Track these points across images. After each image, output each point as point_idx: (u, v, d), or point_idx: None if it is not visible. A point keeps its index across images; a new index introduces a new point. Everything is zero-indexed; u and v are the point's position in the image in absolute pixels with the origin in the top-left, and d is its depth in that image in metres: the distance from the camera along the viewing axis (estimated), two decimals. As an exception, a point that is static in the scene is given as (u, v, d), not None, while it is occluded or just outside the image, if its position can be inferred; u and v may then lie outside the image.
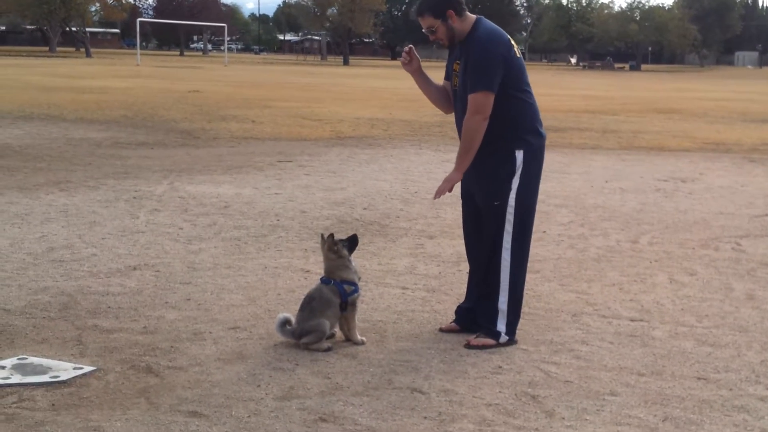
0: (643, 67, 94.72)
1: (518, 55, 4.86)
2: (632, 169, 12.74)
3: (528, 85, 4.92)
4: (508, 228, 4.84)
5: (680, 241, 7.84)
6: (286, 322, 4.79)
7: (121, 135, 15.56)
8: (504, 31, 4.89)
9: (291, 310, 5.40)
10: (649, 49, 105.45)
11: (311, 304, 4.80)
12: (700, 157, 14.61)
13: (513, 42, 4.87)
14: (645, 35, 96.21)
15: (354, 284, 4.87)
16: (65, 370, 4.33)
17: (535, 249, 6.31)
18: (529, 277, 5.73)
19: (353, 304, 4.86)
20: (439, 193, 4.90)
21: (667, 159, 14.27)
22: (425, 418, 3.92)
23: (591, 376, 4.48)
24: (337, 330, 4.92)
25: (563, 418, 3.95)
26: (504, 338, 4.92)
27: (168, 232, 7.64)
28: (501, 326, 4.91)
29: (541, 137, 4.94)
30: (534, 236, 5.30)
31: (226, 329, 5.07)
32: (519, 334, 5.07)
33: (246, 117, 19.22)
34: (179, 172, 11.33)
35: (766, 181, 11.90)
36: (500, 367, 4.58)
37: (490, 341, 4.90)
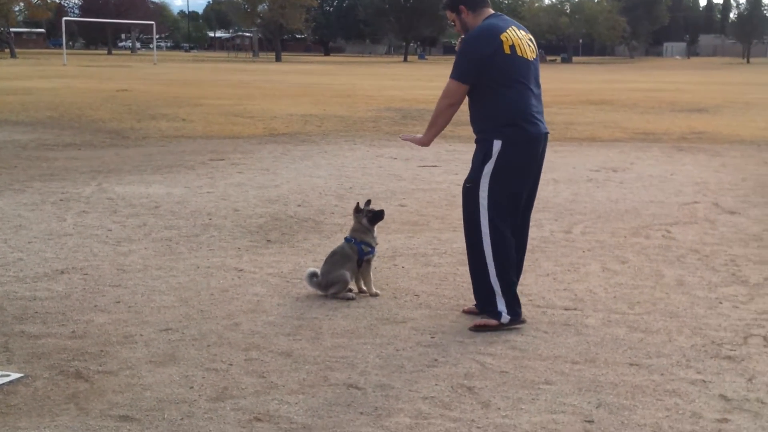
0: (575, 59, 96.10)
1: (508, 52, 4.89)
2: (564, 160, 12.89)
3: (522, 79, 4.96)
4: (483, 212, 4.97)
5: (612, 230, 7.94)
6: (313, 275, 5.61)
7: (48, 136, 15.22)
8: (498, 31, 4.93)
9: (224, 310, 5.35)
10: (580, 41, 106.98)
11: (333, 258, 5.64)
12: (630, 147, 14.85)
13: (512, 38, 4.93)
14: (575, 28, 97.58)
15: (371, 246, 5.69)
16: (-10, 378, 4.21)
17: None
18: (464, 270, 5.75)
19: (368, 263, 5.69)
20: (406, 138, 5.40)
21: (598, 149, 14.47)
22: (362, 413, 3.89)
23: (526, 365, 4.51)
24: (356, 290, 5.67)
25: (499, 409, 3.96)
26: (506, 318, 5.02)
27: (96, 234, 7.48)
28: (501, 306, 5.03)
29: (523, 131, 4.95)
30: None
31: (158, 331, 4.98)
32: (453, 326, 5.09)
33: (176, 115, 18.96)
34: (108, 172, 11.11)
35: (695, 170, 12.14)
36: (436, 360, 4.58)
37: (493, 321, 5.03)
